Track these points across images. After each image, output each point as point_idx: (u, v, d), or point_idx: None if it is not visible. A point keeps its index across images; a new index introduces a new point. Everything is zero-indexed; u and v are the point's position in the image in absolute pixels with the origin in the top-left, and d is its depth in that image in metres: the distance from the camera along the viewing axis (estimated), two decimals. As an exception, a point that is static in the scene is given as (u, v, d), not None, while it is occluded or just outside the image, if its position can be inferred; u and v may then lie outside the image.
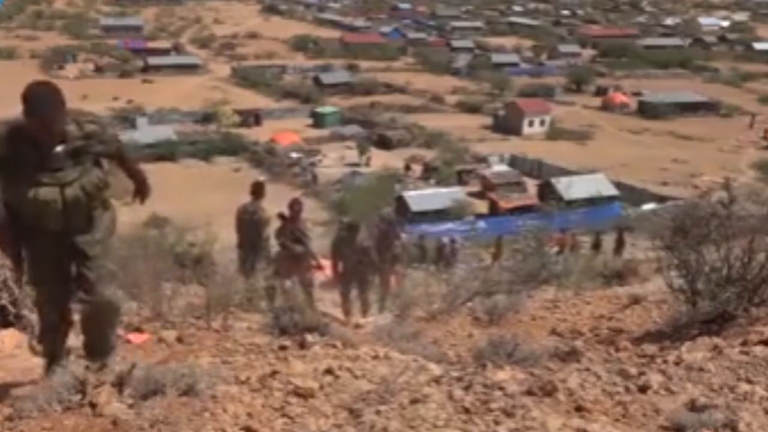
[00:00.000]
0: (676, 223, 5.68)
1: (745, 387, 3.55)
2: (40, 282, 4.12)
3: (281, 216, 9.95)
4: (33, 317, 5.37)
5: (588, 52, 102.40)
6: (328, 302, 10.43)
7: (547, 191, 42.19)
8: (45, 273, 4.03)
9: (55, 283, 4.06)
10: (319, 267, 10.29)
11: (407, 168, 51.55)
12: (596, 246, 20.60)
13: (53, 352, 4.27)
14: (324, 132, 62.09)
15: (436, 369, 4.22)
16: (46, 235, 3.90)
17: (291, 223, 9.96)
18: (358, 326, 7.54)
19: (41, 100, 3.75)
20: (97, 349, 4.21)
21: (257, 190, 10.00)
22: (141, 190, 4.33)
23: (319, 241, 11.77)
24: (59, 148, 3.77)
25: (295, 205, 10.19)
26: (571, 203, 36.55)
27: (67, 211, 3.83)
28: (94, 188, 3.92)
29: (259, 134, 59.97)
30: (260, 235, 9.69)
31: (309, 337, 5.34)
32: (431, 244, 19.61)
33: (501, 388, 3.60)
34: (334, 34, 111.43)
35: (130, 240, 14.24)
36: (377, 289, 10.72)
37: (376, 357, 4.50)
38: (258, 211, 9.72)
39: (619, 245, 20.42)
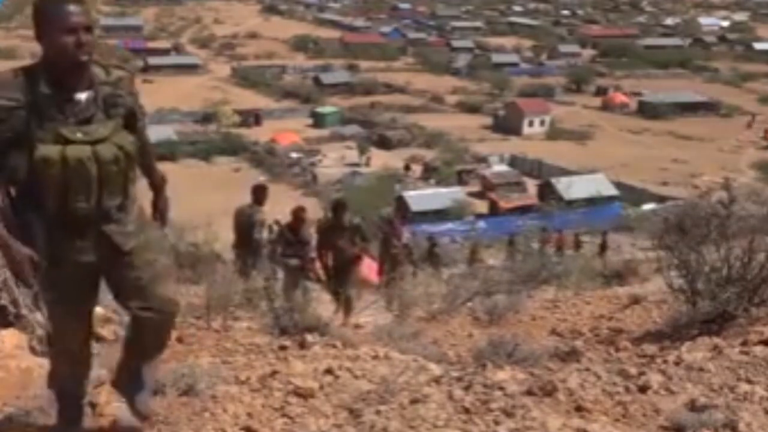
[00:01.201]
0: (670, 223, 5.69)
1: (745, 387, 3.55)
2: (59, 295, 3.01)
3: (278, 224, 9.53)
4: (33, 317, 5.37)
5: (588, 52, 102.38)
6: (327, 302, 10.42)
7: (547, 191, 42.23)
8: (66, 283, 2.97)
9: (79, 296, 3.06)
10: (319, 280, 9.58)
11: (407, 168, 51.55)
12: (603, 247, 20.54)
13: (72, 390, 3.31)
14: (324, 132, 62.08)
15: (436, 369, 4.22)
16: (69, 222, 2.87)
17: (291, 231, 9.46)
18: (358, 326, 7.54)
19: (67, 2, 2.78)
20: (146, 372, 3.25)
21: (259, 196, 9.54)
22: (159, 203, 3.39)
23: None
24: (84, 95, 2.84)
25: (300, 213, 9.66)
26: (571, 203, 36.58)
27: (101, 180, 2.85)
28: (134, 148, 2.95)
29: (259, 134, 59.98)
30: (254, 235, 9.50)
31: (309, 337, 5.34)
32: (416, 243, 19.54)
33: (501, 388, 3.60)
34: (334, 34, 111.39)
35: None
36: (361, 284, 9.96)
37: (376, 357, 4.50)
38: (255, 214, 9.62)
39: (603, 249, 20.44)
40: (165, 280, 3.15)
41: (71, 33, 2.76)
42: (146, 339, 3.16)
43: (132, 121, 2.99)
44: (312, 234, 9.56)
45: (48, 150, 2.76)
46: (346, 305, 8.84)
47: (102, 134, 2.85)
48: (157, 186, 3.36)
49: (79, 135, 2.80)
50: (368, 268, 11.00)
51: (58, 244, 2.88)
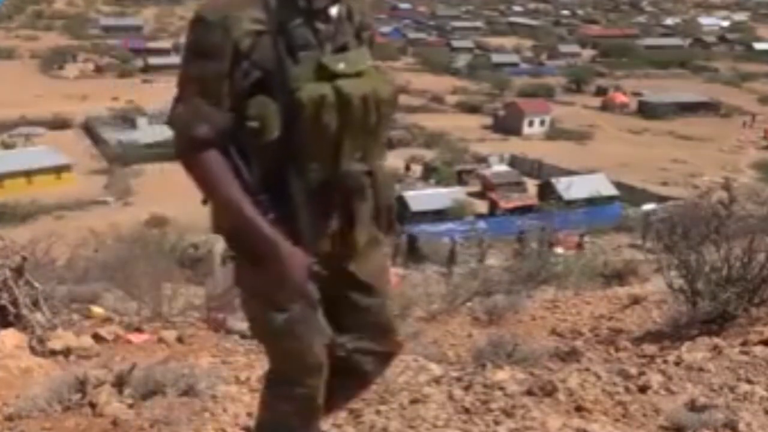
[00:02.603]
0: (669, 224, 5.70)
1: (745, 387, 3.55)
2: (303, 307, 2.08)
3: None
4: (33, 317, 5.37)
5: (588, 52, 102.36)
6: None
7: (547, 191, 42.17)
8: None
9: (318, 309, 2.14)
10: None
11: (407, 168, 51.53)
12: (579, 246, 20.80)
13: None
14: (324, 132, 62.04)
15: (436, 369, 4.22)
16: (332, 195, 2.04)
17: None
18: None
19: None
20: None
21: None
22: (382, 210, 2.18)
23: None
24: (334, 9, 2.03)
25: None
26: (571, 203, 36.54)
27: (375, 130, 2.04)
28: (397, 88, 2.15)
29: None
30: None
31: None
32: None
33: (501, 388, 3.60)
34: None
35: (130, 240, 14.27)
36: None
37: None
38: None
39: (579, 247, 20.70)
40: (392, 309, 2.36)
41: None
42: (362, 383, 2.36)
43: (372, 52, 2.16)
44: None
45: (318, 88, 1.92)
46: None
47: (363, 66, 2.02)
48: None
49: (342, 66, 1.97)
50: None
51: (314, 229, 2.01)
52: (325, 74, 1.94)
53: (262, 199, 1.94)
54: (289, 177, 1.96)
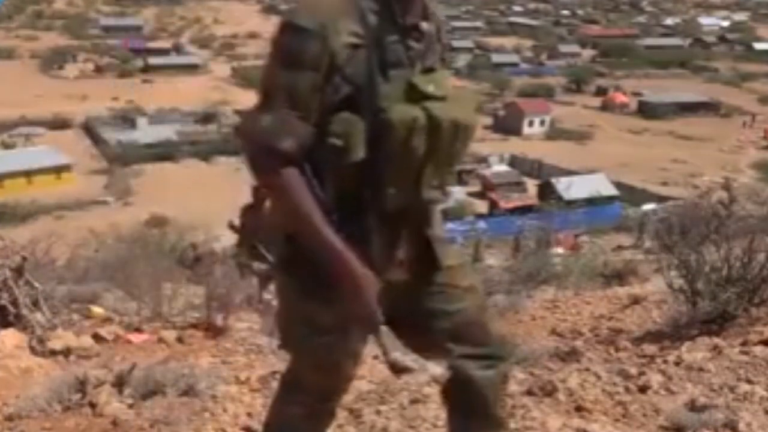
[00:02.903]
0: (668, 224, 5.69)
1: (745, 387, 3.55)
2: (344, 332, 1.98)
3: (232, 227, 8.40)
4: (33, 317, 5.37)
5: (588, 52, 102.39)
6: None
7: (547, 191, 42.17)
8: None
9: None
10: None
11: (407, 168, 51.57)
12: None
13: None
14: (324, 132, 62.06)
15: (436, 369, 4.21)
16: (405, 221, 1.95)
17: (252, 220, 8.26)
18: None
19: None
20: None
21: (260, 196, 9.29)
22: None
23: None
24: (426, 25, 1.92)
25: (260, 190, 8.96)
26: (571, 203, 36.55)
27: (454, 155, 1.94)
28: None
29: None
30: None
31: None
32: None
33: (501, 388, 3.59)
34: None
35: (130, 240, 14.27)
36: None
37: (376, 357, 4.50)
38: None
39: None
40: (492, 314, 2.24)
41: None
42: (477, 403, 2.16)
43: None
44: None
45: (409, 110, 1.80)
46: None
47: (447, 89, 1.90)
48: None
49: (432, 88, 1.85)
50: None
51: (383, 256, 1.92)
52: (415, 95, 1.82)
53: (334, 218, 1.83)
54: (363, 200, 1.85)
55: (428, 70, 1.89)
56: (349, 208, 1.85)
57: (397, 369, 1.98)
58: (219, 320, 6.56)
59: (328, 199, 1.84)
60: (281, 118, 1.79)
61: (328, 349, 2.03)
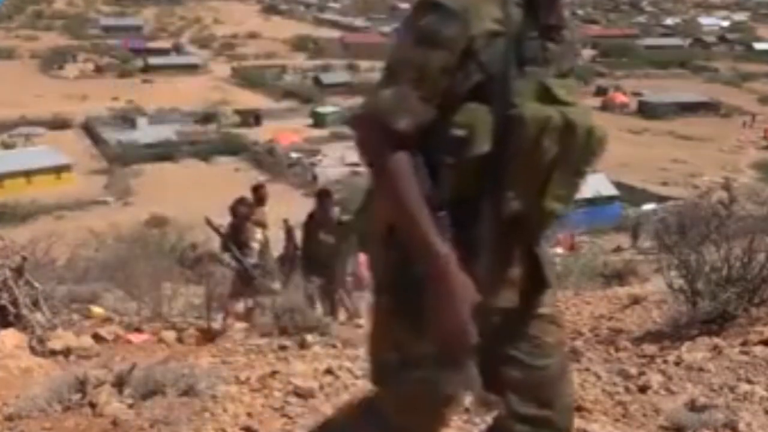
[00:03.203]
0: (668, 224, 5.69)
1: (745, 387, 3.55)
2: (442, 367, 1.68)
3: (210, 224, 7.21)
4: (33, 317, 5.37)
5: (588, 52, 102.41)
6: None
7: (547, 191, 42.17)
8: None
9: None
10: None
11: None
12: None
13: None
14: (324, 132, 62.09)
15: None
16: (520, 237, 1.80)
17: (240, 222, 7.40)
18: (358, 326, 7.54)
19: None
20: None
21: (260, 196, 8.58)
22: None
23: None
24: (566, 32, 1.84)
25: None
26: (570, 203, 36.53)
27: (584, 162, 1.79)
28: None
29: (259, 134, 60.01)
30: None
31: (309, 337, 5.34)
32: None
33: (501, 388, 3.59)
34: (334, 34, 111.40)
35: (130, 240, 14.27)
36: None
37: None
38: (255, 214, 9.56)
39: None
40: (570, 378, 2.04)
41: None
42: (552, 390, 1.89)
43: None
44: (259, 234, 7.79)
45: (543, 109, 1.68)
46: (330, 303, 8.21)
47: (576, 98, 1.78)
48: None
49: (563, 92, 1.73)
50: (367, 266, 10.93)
51: (492, 271, 1.70)
52: (546, 96, 1.70)
53: (442, 215, 1.64)
54: (478, 204, 1.67)
55: (562, 75, 1.79)
56: (460, 211, 1.66)
57: (486, 405, 1.74)
58: (219, 321, 6.56)
59: (439, 196, 1.65)
60: (402, 94, 1.65)
61: (419, 386, 1.75)
